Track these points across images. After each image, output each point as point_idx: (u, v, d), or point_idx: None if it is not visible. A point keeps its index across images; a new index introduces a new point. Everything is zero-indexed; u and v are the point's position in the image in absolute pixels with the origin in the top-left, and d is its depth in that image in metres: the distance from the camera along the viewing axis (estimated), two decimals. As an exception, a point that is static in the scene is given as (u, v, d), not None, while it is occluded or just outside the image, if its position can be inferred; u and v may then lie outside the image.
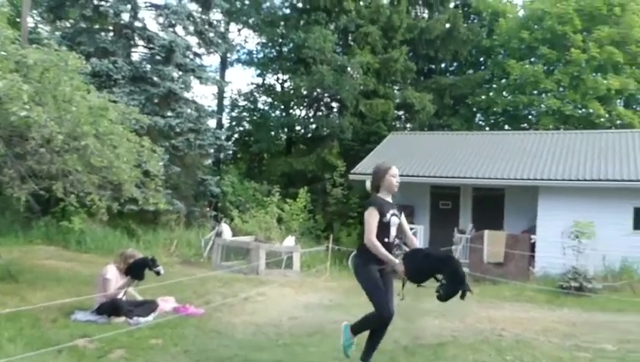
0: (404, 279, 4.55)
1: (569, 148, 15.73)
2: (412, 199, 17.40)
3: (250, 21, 23.45)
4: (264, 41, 23.62)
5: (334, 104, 22.96)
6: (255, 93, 23.48)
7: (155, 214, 14.49)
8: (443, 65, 26.37)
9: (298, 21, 21.12)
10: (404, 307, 8.53)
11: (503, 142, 17.25)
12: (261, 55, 24.32)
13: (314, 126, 23.10)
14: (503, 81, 24.55)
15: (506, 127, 25.15)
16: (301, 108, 23.84)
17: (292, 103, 23.16)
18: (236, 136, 24.36)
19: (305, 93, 21.93)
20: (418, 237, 15.33)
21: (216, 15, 20.39)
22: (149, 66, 16.25)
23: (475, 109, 25.26)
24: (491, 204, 16.70)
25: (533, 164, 14.98)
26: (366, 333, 4.81)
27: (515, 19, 24.74)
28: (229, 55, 23.75)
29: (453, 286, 4.35)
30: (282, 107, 23.52)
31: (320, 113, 23.31)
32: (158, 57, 16.37)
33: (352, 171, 16.57)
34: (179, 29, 16.96)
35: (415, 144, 18.21)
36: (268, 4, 23.24)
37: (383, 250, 4.48)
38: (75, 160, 7.87)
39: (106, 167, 8.05)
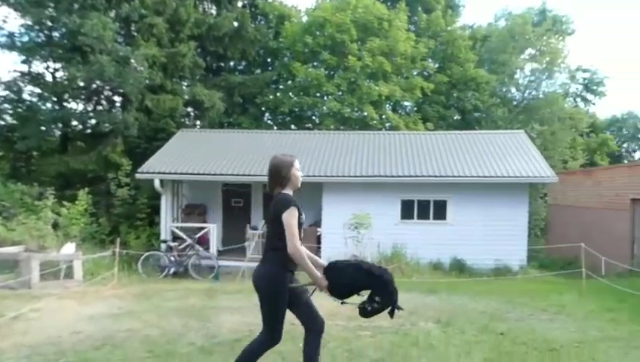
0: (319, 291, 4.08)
1: (348, 147, 17.13)
2: (204, 198, 17.18)
3: (11, -1, 20.34)
4: (29, 23, 20.67)
5: (117, 98, 21.31)
6: (19, 82, 20.34)
7: None
8: (232, 63, 26.56)
9: (71, 4, 18.97)
10: (199, 307, 8.40)
11: (290, 141, 18.04)
12: (26, 39, 21.24)
13: (94, 121, 21.05)
14: (290, 82, 25.75)
15: (293, 126, 26.40)
16: (78, 101, 21.48)
17: (67, 95, 20.73)
18: (-5, 131, 20.88)
19: (82, 84, 19.89)
20: (212, 236, 15.27)
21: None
22: None
23: (263, 109, 25.98)
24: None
25: (317, 161, 15.95)
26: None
27: (300, 24, 26.13)
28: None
29: (384, 301, 4.01)
30: (55, 99, 20.88)
31: (101, 107, 21.41)
32: None
33: (138, 170, 15.59)
34: None
35: (205, 142, 17.99)
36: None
37: (308, 262, 3.85)
38: None
39: None
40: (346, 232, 13.15)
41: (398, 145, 17.17)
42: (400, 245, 14.27)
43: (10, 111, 20.37)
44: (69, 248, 12.01)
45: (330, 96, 24.22)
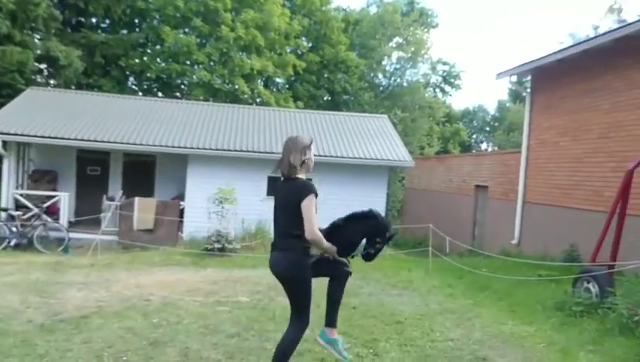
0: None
1: (217, 119, 16.72)
2: (56, 164, 15.75)
3: None
4: None
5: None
6: None
7: None
8: (94, 20, 24.49)
9: None
10: (42, 282, 7.74)
11: (155, 108, 17.12)
12: None
13: None
14: (158, 47, 24.43)
15: (160, 94, 25.20)
16: None
17: None
18: None
19: None
20: (62, 205, 14.09)
21: None
22: None
23: (128, 72, 24.43)
24: (143, 171, 16.53)
25: (184, 132, 15.36)
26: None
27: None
28: None
29: (383, 239, 4.07)
30: None
31: None
32: None
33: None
34: None
35: (60, 103, 16.41)
36: None
37: (325, 242, 3.81)
38: None
39: None
40: (211, 207, 12.89)
41: (268, 121, 17.14)
42: (265, 221, 14.33)
43: None
44: None
45: (200, 66, 23.44)
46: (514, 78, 14.05)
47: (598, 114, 10.70)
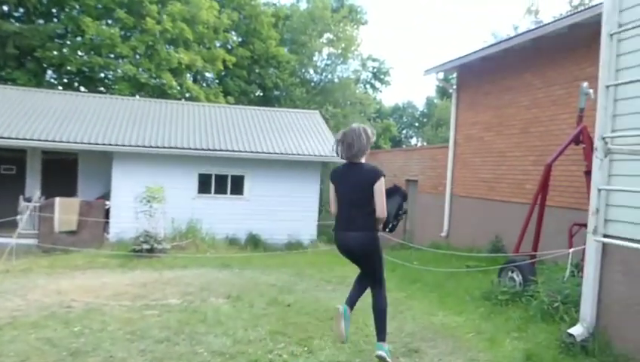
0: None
1: (144, 115, 16.13)
2: (-36, 163, 14.67)
3: None
4: None
5: None
6: None
7: None
8: (6, 8, 22.85)
9: None
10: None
11: (77, 103, 16.26)
12: None
13: None
14: (79, 38, 23.16)
15: (82, 88, 23.99)
16: None
17: None
18: None
19: None
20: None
21: None
22: None
23: (45, 65, 23.03)
24: (64, 170, 15.68)
25: (108, 128, 14.71)
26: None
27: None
28: None
29: (405, 209, 4.47)
30: None
31: None
32: None
33: None
34: None
35: (-32, 97, 15.27)
36: None
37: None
38: None
39: None
40: (138, 206, 12.39)
41: (198, 116, 16.72)
42: (196, 220, 14.00)
43: None
44: None
45: (125, 59, 22.50)
46: (441, 75, 14.48)
47: (519, 110, 11.19)
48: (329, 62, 32.49)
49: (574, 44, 9.35)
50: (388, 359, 4.20)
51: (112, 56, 22.83)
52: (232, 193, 15.25)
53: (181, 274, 9.28)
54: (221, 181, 15.20)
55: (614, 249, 4.57)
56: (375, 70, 36.50)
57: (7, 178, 15.32)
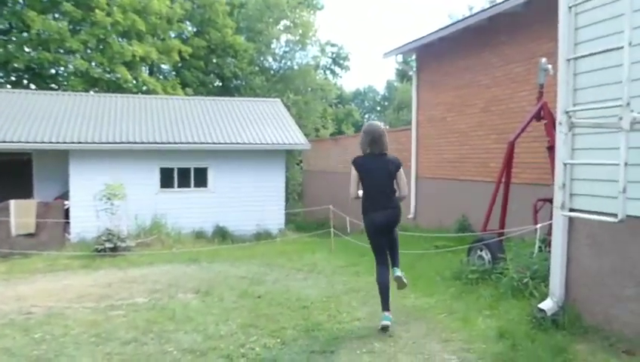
0: None
1: (99, 111, 15.61)
2: None
3: None
4: None
5: None
6: None
7: None
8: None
9: None
10: None
11: (28, 102, 15.59)
12: None
13: None
14: (24, 34, 22.18)
15: (32, 86, 23.05)
16: None
17: None
18: None
19: None
20: None
21: None
22: None
23: (-9, 63, 22.01)
24: (18, 171, 15.07)
25: (62, 126, 14.20)
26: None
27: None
28: None
29: None
30: None
31: None
32: None
33: None
34: None
35: None
36: None
37: None
38: None
39: None
40: (98, 204, 11.99)
41: (156, 110, 16.29)
42: (160, 215, 13.68)
43: None
44: None
45: (76, 54, 21.69)
46: (400, 58, 14.48)
47: (479, 89, 11.27)
48: (287, 49, 32.16)
49: (530, 20, 9.43)
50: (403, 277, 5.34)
51: (62, 51, 21.97)
52: (195, 186, 14.97)
53: (147, 271, 9.02)
54: (184, 174, 14.89)
55: (581, 223, 4.62)
56: (334, 55, 36.34)
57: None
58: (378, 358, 4.34)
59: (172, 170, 14.74)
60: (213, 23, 27.45)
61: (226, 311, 5.95)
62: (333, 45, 35.84)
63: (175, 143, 14.37)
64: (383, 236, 5.17)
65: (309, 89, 30.66)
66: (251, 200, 14.94)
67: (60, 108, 15.35)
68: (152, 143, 14.20)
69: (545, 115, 7.13)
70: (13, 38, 22.21)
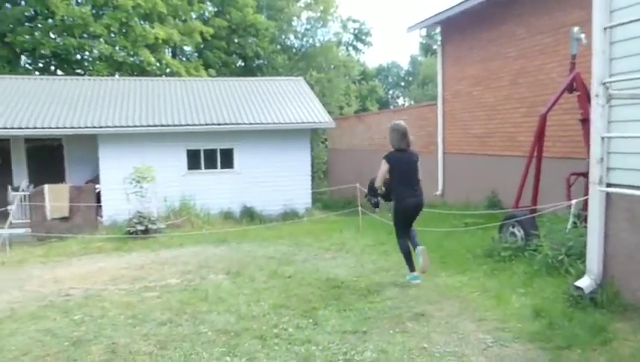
0: None
1: (125, 95, 15.73)
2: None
3: None
4: None
5: None
6: None
7: None
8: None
9: None
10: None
11: (56, 88, 15.81)
12: None
13: None
14: (50, 20, 22.39)
15: (59, 71, 23.35)
16: None
17: None
18: None
19: None
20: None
21: None
22: None
23: (18, 50, 22.31)
24: (49, 156, 15.39)
25: (90, 111, 14.36)
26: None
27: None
28: None
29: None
30: None
31: None
32: None
33: None
34: None
35: (-58, 89, 14.78)
36: None
37: None
38: None
39: None
40: (128, 187, 12.18)
41: (180, 92, 16.35)
42: (188, 197, 13.83)
43: None
44: None
45: (100, 39, 21.84)
46: (424, 32, 14.17)
47: (506, 62, 10.99)
48: (309, 26, 31.83)
49: (558, -11, 9.12)
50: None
51: (86, 36, 22.14)
52: (222, 167, 15.05)
53: (178, 253, 9.17)
54: (210, 156, 14.97)
55: (618, 197, 4.48)
56: (356, 31, 35.81)
57: (-8, 169, 15.02)
58: (412, 338, 4.33)
59: (198, 151, 14.83)
60: (234, 3, 27.25)
61: (257, 292, 6.01)
62: (354, 21, 35.32)
63: (201, 125, 14.42)
64: (412, 218, 6.09)
65: (332, 66, 30.37)
66: (277, 180, 14.97)
67: (86, 93, 15.53)
68: (178, 126, 14.29)
69: (578, 87, 6.92)
70: (39, 25, 22.44)
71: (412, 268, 5.97)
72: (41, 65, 23.55)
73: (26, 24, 22.12)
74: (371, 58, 69.84)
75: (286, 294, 5.82)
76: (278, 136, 15.19)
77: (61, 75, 21.37)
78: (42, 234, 11.78)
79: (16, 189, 13.44)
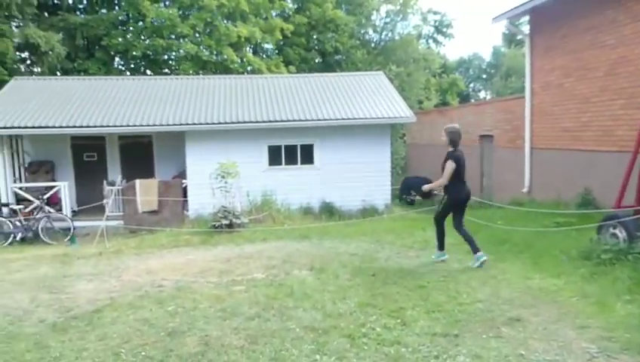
0: None
1: (210, 92, 16.26)
2: (51, 154, 15.53)
3: None
4: None
5: None
6: None
7: None
8: (70, 1, 23.66)
9: None
10: (51, 277, 7.53)
11: (146, 87, 16.63)
12: None
13: None
14: (140, 23, 23.63)
15: (148, 72, 24.57)
16: None
17: None
18: None
19: None
20: (63, 195, 13.87)
21: None
22: None
23: (112, 53, 23.71)
24: (140, 152, 16.23)
25: (177, 109, 14.97)
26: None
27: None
28: None
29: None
30: None
31: None
32: None
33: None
34: None
35: (46, 90, 15.93)
36: None
37: None
38: None
39: None
40: (213, 182, 12.59)
41: (262, 89, 16.67)
42: (270, 192, 14.10)
43: None
44: None
45: (186, 39, 22.74)
46: (511, 21, 13.58)
47: (602, 50, 10.30)
48: (388, 20, 31.47)
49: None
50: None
51: (173, 37, 23.14)
52: (302, 163, 15.20)
53: (261, 247, 9.34)
54: (291, 151, 15.16)
55: None
56: (437, 24, 35.01)
57: (90, 165, 16.04)
58: (507, 344, 4.14)
59: (279, 147, 15.07)
60: (314, -1, 27.49)
61: (342, 289, 6.00)
62: (435, 13, 34.56)
63: (282, 121, 14.63)
64: (464, 208, 7.07)
65: (412, 60, 29.86)
66: (357, 176, 14.91)
67: (174, 91, 16.21)
68: (260, 122, 14.57)
69: (690, 77, 6.33)
70: (131, 28, 23.78)
71: (477, 249, 6.78)
72: (132, 66, 24.90)
73: (119, 28, 23.47)
74: (452, 50, 67.98)
75: (371, 292, 5.76)
76: (358, 131, 15.12)
77: (150, 75, 22.46)
78: (134, 226, 12.44)
79: (111, 184, 14.28)
